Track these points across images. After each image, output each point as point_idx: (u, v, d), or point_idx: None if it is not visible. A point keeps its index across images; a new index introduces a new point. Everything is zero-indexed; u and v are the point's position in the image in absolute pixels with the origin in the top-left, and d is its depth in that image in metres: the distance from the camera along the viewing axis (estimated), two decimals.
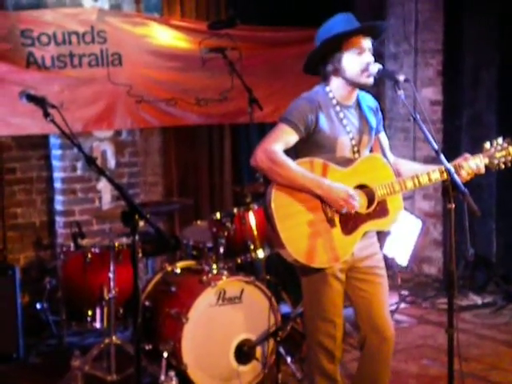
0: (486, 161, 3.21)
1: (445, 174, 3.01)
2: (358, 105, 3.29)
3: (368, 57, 3.14)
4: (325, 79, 3.24)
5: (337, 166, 3.15)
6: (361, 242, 3.17)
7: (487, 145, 3.24)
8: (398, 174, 3.28)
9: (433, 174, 3.16)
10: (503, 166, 3.25)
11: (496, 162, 3.23)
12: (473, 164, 3.16)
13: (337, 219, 3.10)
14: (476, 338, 5.13)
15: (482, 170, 3.20)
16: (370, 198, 3.16)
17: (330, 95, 3.20)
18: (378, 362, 3.27)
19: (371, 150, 3.35)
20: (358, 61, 3.13)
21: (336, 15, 3.22)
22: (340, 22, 3.17)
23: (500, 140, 3.25)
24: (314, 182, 3.05)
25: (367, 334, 3.26)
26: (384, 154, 3.37)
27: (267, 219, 3.12)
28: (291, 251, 3.03)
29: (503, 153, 3.23)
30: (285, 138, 3.10)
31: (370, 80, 3.16)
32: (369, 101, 3.36)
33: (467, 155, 3.20)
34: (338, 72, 3.17)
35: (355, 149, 3.22)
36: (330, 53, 3.16)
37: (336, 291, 3.20)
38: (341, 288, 3.22)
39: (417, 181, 3.17)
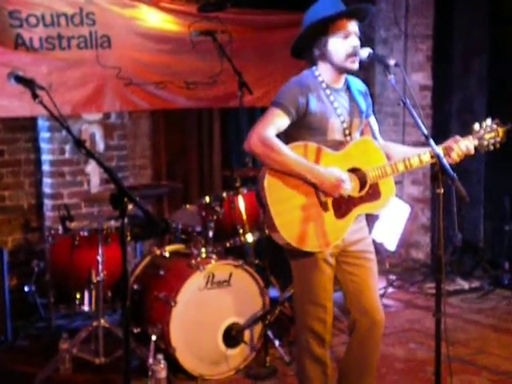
0: (476, 142, 3.22)
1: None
2: (348, 88, 3.29)
3: (354, 40, 3.13)
4: (312, 63, 3.24)
5: (330, 150, 3.15)
6: (351, 226, 3.18)
7: (476, 126, 3.25)
8: (388, 157, 3.28)
9: (423, 156, 3.17)
10: (492, 148, 3.26)
11: (485, 143, 3.24)
12: (463, 146, 3.17)
13: (330, 203, 3.11)
14: (463, 323, 5.16)
15: (472, 152, 3.21)
16: (363, 182, 3.17)
17: (320, 79, 3.20)
18: (367, 346, 3.28)
19: (361, 134, 3.35)
20: (343, 45, 3.12)
21: None
22: (326, 6, 3.15)
23: (489, 121, 3.26)
24: (307, 168, 3.05)
25: (357, 318, 3.26)
26: (374, 138, 3.37)
27: (260, 203, 3.12)
28: (284, 235, 3.03)
29: (492, 134, 3.24)
30: (277, 121, 3.09)
31: (356, 65, 3.16)
32: (358, 85, 3.36)
33: (457, 137, 3.20)
34: (324, 56, 3.17)
35: (346, 132, 3.22)
36: (316, 37, 3.15)
37: (326, 275, 3.21)
38: (331, 272, 3.23)
39: (408, 163, 3.18)
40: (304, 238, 3.07)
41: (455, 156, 3.16)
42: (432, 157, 3.12)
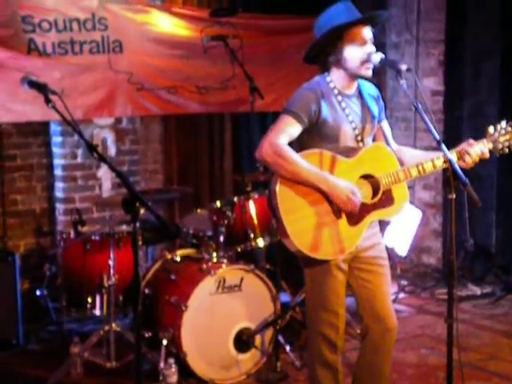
0: (490, 145, 3.19)
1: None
2: (360, 93, 3.27)
3: (370, 47, 3.13)
4: (325, 70, 3.22)
5: (343, 158, 3.13)
6: (364, 233, 3.17)
7: (491, 129, 3.21)
8: (400, 162, 3.26)
9: (437, 160, 3.14)
10: (507, 150, 3.22)
11: (500, 146, 3.20)
12: (477, 149, 3.14)
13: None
14: (475, 328, 5.14)
15: (487, 155, 3.17)
16: (375, 188, 3.16)
17: (331, 85, 3.18)
18: (380, 352, 3.27)
19: (374, 139, 3.34)
20: (359, 52, 3.11)
21: (335, 4, 3.19)
22: (339, 12, 3.14)
23: (504, 124, 3.21)
24: (319, 177, 3.03)
25: (370, 324, 3.25)
26: (387, 143, 3.35)
27: (272, 212, 3.10)
28: (296, 243, 3.02)
29: (507, 137, 3.20)
30: (289, 129, 3.07)
31: (369, 72, 3.15)
32: (370, 89, 3.34)
33: (471, 141, 3.17)
34: (339, 63, 3.16)
35: (359, 138, 3.21)
36: (332, 44, 3.14)
37: (339, 281, 3.20)
38: (344, 278, 3.22)
39: (421, 168, 3.16)
40: (317, 246, 3.06)
41: (469, 160, 3.13)
42: (445, 162, 3.10)
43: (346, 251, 3.13)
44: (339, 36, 3.11)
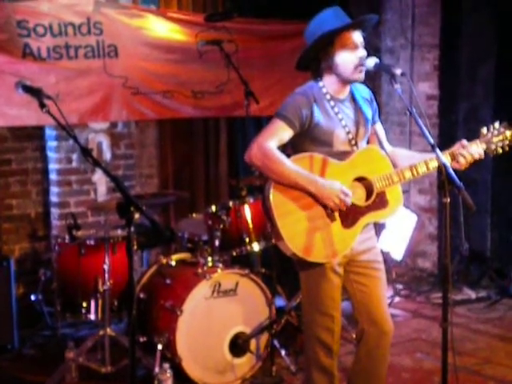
0: (484, 146, 3.21)
1: None
2: (353, 97, 3.28)
3: (361, 52, 3.14)
4: (317, 75, 3.23)
5: (335, 161, 3.14)
6: (360, 236, 3.17)
7: (484, 130, 3.25)
8: (394, 164, 3.27)
9: (431, 162, 3.16)
10: (500, 151, 3.25)
11: (493, 146, 3.23)
12: (471, 150, 3.16)
13: (336, 213, 3.09)
14: (470, 332, 5.14)
15: (482, 156, 3.20)
16: (369, 190, 3.16)
17: (324, 90, 3.19)
18: (375, 356, 3.26)
19: (368, 141, 3.35)
20: (351, 57, 3.12)
21: (324, 10, 3.20)
22: (329, 18, 3.15)
23: (497, 124, 3.25)
24: (307, 179, 3.04)
25: (366, 328, 3.25)
26: (381, 145, 3.36)
27: (266, 215, 3.11)
28: (291, 246, 3.03)
29: (500, 137, 3.23)
30: (280, 133, 3.08)
31: (362, 75, 3.16)
32: (363, 91, 3.34)
33: (464, 142, 3.19)
34: (330, 69, 3.17)
35: (352, 142, 3.21)
36: (323, 50, 3.15)
37: (334, 285, 3.20)
38: (339, 282, 3.22)
39: (415, 170, 3.17)
40: (311, 249, 3.06)
41: (463, 161, 3.15)
42: (440, 167, 3.10)
43: (340, 254, 3.13)
44: (330, 42, 3.12)
